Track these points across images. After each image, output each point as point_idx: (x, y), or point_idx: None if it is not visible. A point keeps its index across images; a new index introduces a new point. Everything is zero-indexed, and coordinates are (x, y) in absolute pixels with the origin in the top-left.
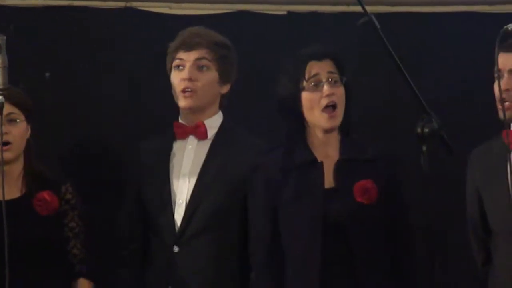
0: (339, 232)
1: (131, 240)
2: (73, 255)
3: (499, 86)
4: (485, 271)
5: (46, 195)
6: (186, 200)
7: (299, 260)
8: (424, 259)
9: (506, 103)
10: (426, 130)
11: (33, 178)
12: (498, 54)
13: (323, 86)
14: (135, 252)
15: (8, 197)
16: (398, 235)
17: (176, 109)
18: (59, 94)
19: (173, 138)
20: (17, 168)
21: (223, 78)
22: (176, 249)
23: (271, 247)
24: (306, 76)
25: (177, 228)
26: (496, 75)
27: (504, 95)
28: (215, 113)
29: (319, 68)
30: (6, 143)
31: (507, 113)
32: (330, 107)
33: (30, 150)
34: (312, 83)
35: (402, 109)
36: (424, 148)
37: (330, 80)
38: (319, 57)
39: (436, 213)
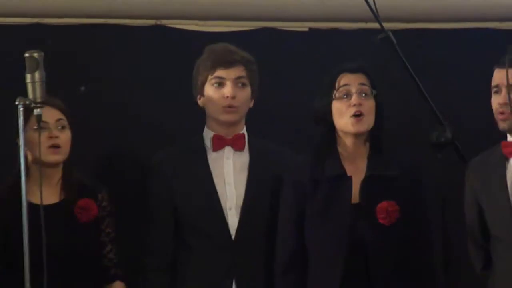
0: (361, 248)
1: (164, 249)
2: (108, 259)
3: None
4: (484, 276)
5: (86, 202)
6: (237, 207)
7: (320, 271)
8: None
9: (503, 115)
10: (442, 139)
11: (72, 185)
12: (494, 70)
13: (352, 96)
14: (166, 260)
15: (46, 202)
16: (419, 252)
17: (194, 121)
18: (92, 107)
19: (203, 149)
20: (57, 174)
21: (253, 93)
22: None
23: (294, 257)
24: (337, 86)
25: (232, 233)
26: (493, 90)
27: (501, 109)
28: (243, 125)
29: (350, 80)
30: (57, 146)
31: (505, 124)
32: (358, 116)
33: (69, 158)
34: (343, 93)
35: (415, 120)
36: (439, 156)
37: (360, 91)
38: (351, 70)
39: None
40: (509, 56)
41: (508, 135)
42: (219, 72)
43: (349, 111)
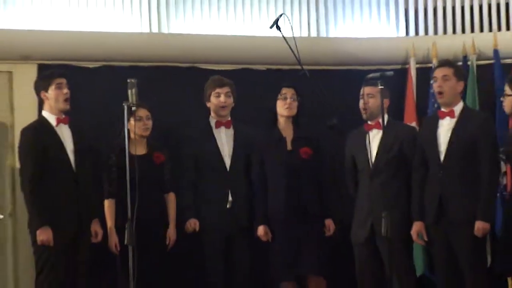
0: (293, 170)
1: (190, 177)
2: (167, 180)
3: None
4: (355, 194)
5: (158, 154)
6: (229, 156)
7: (274, 183)
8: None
9: (365, 111)
10: (332, 123)
11: (151, 145)
12: (363, 88)
13: (286, 99)
14: (191, 183)
15: (139, 153)
16: (323, 176)
17: (203, 116)
18: (160, 117)
19: (210, 128)
20: (144, 140)
21: (234, 100)
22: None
23: (260, 178)
24: (281, 93)
25: (227, 167)
26: (362, 98)
27: (363, 106)
28: (229, 115)
29: (287, 91)
30: (146, 129)
31: (365, 116)
32: (289, 109)
33: (151, 133)
34: (282, 97)
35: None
36: (332, 129)
37: (291, 97)
38: (287, 86)
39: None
40: (366, 79)
41: (369, 121)
42: (217, 89)
43: (284, 107)
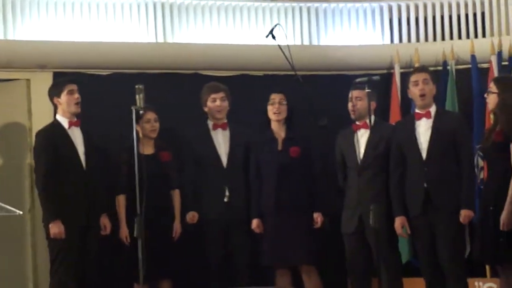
0: (283, 167)
1: (191, 173)
2: (172, 177)
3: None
4: (344, 186)
5: (164, 153)
6: (225, 154)
7: (267, 180)
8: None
9: (353, 113)
10: (322, 123)
11: (158, 145)
12: (352, 91)
13: (275, 104)
14: (191, 179)
15: (147, 152)
16: (313, 172)
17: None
18: (164, 119)
19: (208, 129)
20: (152, 141)
21: (229, 104)
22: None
23: (256, 174)
24: (270, 99)
25: (224, 165)
26: (350, 101)
27: (352, 108)
28: (225, 118)
29: (275, 96)
30: (154, 130)
31: (353, 116)
32: (278, 114)
33: (158, 134)
34: (271, 102)
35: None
36: (323, 129)
37: (279, 101)
38: (276, 92)
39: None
40: (354, 83)
41: (357, 121)
42: (213, 95)
43: (273, 111)
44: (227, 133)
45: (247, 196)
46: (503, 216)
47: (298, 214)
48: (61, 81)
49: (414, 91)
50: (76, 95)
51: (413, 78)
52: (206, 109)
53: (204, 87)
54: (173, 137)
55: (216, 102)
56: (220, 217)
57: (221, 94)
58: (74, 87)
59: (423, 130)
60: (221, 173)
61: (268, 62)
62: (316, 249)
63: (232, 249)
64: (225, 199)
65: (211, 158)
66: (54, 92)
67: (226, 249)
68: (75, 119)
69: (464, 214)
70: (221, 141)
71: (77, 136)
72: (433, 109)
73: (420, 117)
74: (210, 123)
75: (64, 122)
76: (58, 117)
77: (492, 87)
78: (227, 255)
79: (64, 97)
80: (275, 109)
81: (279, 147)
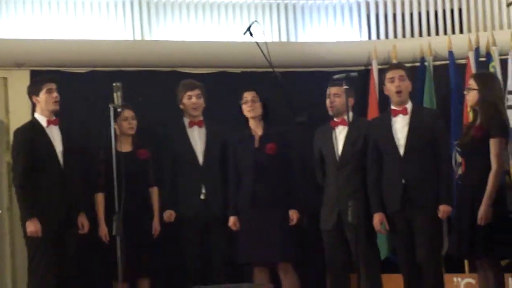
0: (260, 166)
1: (170, 171)
2: (150, 175)
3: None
4: (322, 183)
5: (141, 150)
6: (201, 152)
7: (244, 178)
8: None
9: (331, 108)
10: (300, 119)
11: (136, 142)
12: (330, 88)
13: (248, 102)
14: (171, 177)
15: (125, 150)
16: (291, 169)
17: (171, 116)
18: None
19: (184, 127)
20: (130, 138)
21: (204, 101)
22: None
23: (235, 170)
24: (243, 97)
25: (200, 162)
26: (328, 97)
27: (330, 105)
28: (201, 115)
29: (248, 95)
30: (132, 128)
31: (332, 112)
32: (251, 111)
33: (136, 131)
34: (244, 100)
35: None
36: (301, 126)
37: (252, 99)
38: (247, 90)
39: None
40: (332, 80)
41: (335, 118)
42: (188, 92)
43: (247, 109)
44: (203, 130)
45: (224, 194)
46: (481, 210)
47: (274, 212)
48: (40, 79)
49: (390, 88)
50: (55, 94)
51: (389, 75)
52: (181, 107)
53: (180, 84)
54: (151, 134)
55: (192, 99)
56: (196, 215)
57: (196, 91)
58: (53, 85)
59: (400, 126)
60: (197, 170)
61: (246, 59)
62: (293, 246)
63: (209, 247)
64: (202, 197)
65: (187, 156)
66: (32, 90)
67: (203, 247)
68: (54, 118)
69: (443, 210)
70: (197, 138)
71: (55, 134)
72: (409, 106)
73: (396, 113)
74: (186, 121)
75: (43, 121)
76: (37, 115)
77: (472, 83)
78: (204, 252)
79: (42, 95)
80: (248, 107)
81: (256, 144)
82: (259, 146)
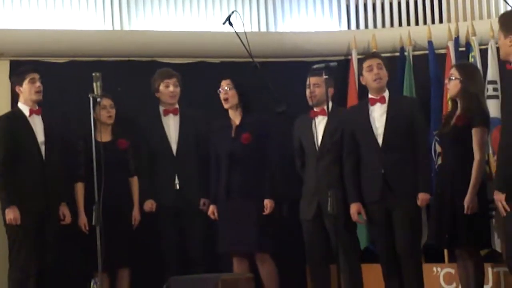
0: (235, 156)
1: (146, 160)
2: (130, 164)
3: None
4: (303, 172)
5: (121, 140)
6: (175, 141)
7: (221, 167)
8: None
9: (311, 99)
10: (280, 109)
11: (115, 132)
12: (309, 78)
13: (222, 90)
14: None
15: (104, 140)
16: (268, 158)
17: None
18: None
19: (159, 115)
20: (109, 127)
21: (181, 90)
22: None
23: (215, 160)
24: (221, 86)
25: (174, 152)
26: (308, 87)
27: (310, 95)
28: (177, 103)
29: (223, 83)
30: (110, 116)
31: (312, 102)
32: (226, 100)
33: (115, 120)
34: (220, 90)
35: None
36: (280, 116)
37: (227, 88)
38: (224, 78)
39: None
40: (311, 70)
41: (315, 108)
42: (166, 80)
43: (222, 96)
44: (177, 118)
45: (199, 183)
46: (467, 199)
47: (250, 201)
48: (23, 69)
49: (368, 77)
50: (38, 84)
51: (366, 64)
52: (158, 95)
53: (156, 73)
54: (130, 124)
55: (169, 88)
56: (172, 205)
57: (174, 80)
58: (35, 75)
59: (378, 115)
60: (171, 160)
61: (225, 49)
62: (270, 236)
63: (187, 237)
64: (176, 187)
65: (161, 146)
66: (16, 80)
67: (181, 237)
68: (37, 107)
69: (422, 198)
70: (172, 127)
71: (37, 124)
72: (386, 94)
73: (374, 102)
74: (161, 109)
75: (25, 110)
76: (20, 105)
77: (454, 73)
78: (182, 243)
79: (25, 85)
80: (223, 95)
81: (232, 134)
82: (235, 135)
